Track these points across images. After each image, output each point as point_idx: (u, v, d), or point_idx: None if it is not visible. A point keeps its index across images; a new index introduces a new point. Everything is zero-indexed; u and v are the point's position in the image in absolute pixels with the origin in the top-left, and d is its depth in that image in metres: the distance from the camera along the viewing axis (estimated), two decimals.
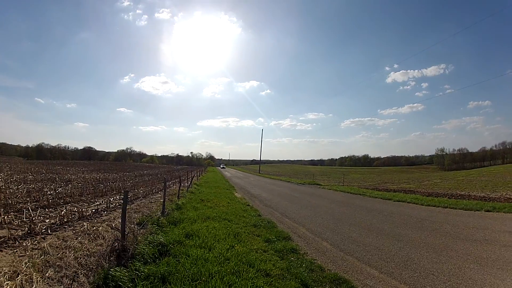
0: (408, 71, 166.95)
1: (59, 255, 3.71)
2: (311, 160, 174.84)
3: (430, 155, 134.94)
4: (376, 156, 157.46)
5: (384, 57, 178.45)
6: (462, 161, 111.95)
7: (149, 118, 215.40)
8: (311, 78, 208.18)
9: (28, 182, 13.66)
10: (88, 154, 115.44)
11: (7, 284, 2.63)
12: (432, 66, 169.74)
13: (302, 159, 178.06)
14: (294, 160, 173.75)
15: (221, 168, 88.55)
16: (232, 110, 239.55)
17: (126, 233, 4.69)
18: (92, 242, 4.70)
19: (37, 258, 3.43)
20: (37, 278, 2.86)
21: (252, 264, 4.61)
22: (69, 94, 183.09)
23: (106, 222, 6.13)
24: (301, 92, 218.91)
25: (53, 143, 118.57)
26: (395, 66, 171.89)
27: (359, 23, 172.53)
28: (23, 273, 2.86)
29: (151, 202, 10.09)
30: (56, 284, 3.01)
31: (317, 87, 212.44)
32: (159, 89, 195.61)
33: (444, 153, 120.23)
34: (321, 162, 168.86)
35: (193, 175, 23.83)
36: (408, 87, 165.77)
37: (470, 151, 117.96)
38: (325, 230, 7.61)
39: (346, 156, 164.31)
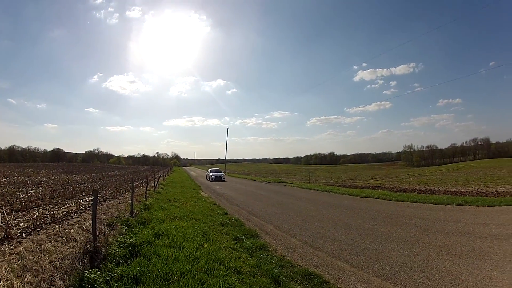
0: (377, 69, 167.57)
1: (35, 259, 3.86)
2: (276, 158, 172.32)
3: (397, 152, 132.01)
4: (342, 154, 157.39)
5: (352, 55, 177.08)
6: (431, 157, 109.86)
7: (116, 118, 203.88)
8: (278, 76, 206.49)
9: (2, 185, 13.26)
10: (57, 156, 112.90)
11: None
12: (401, 65, 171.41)
13: (267, 157, 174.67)
14: (260, 159, 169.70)
15: (212, 177, 29.11)
16: (198, 109, 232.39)
17: (97, 235, 4.77)
18: (65, 244, 4.81)
19: (15, 263, 3.57)
20: (17, 283, 3.03)
21: (222, 262, 4.72)
22: (39, 94, 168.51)
23: (77, 224, 6.24)
24: (268, 90, 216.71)
25: (24, 144, 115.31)
26: (364, 64, 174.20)
27: (327, 21, 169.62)
28: (4, 278, 3.05)
29: (119, 203, 10.16)
30: None
31: (283, 86, 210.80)
32: (127, 89, 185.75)
33: (412, 150, 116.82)
34: (286, 160, 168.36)
35: (159, 175, 23.91)
36: (376, 85, 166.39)
37: (439, 147, 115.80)
38: (293, 227, 7.71)
39: (312, 154, 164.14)
